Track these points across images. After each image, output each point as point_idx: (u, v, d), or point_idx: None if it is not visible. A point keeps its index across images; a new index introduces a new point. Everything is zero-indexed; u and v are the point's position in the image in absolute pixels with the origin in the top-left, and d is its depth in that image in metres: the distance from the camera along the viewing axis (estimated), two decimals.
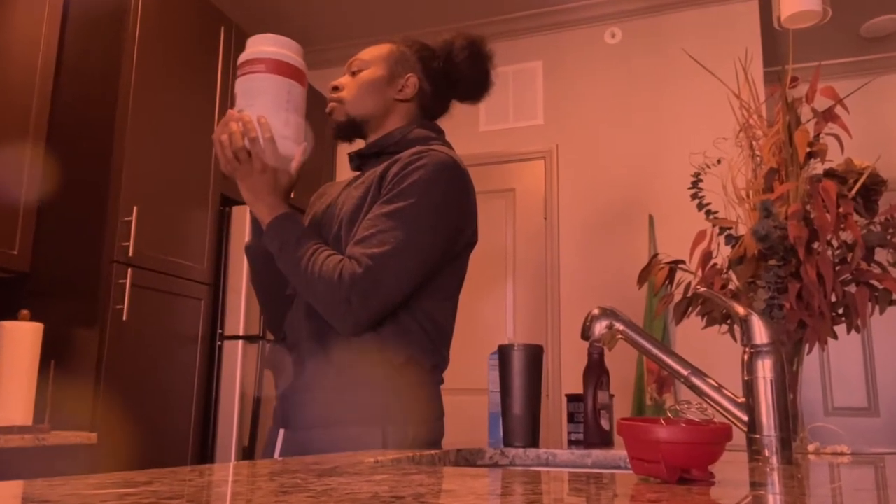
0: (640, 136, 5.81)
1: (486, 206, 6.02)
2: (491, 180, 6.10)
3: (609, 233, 5.73)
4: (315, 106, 5.82)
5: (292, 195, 2.25)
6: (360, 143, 2.43)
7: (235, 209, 4.95)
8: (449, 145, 2.35)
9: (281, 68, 2.18)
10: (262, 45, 2.22)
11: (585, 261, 5.76)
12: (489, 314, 5.93)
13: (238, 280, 4.85)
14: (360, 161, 2.42)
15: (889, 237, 2.47)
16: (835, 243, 2.53)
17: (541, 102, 6.17)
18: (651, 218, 5.59)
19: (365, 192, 2.18)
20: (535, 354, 2.22)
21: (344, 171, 6.43)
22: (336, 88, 2.40)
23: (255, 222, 2.26)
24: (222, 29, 5.06)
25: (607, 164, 5.85)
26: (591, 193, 5.84)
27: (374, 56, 2.41)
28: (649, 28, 5.98)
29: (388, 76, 2.38)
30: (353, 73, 2.40)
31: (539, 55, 6.27)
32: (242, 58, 2.22)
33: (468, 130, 6.28)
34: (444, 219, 2.09)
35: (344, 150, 6.46)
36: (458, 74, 2.43)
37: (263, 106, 2.15)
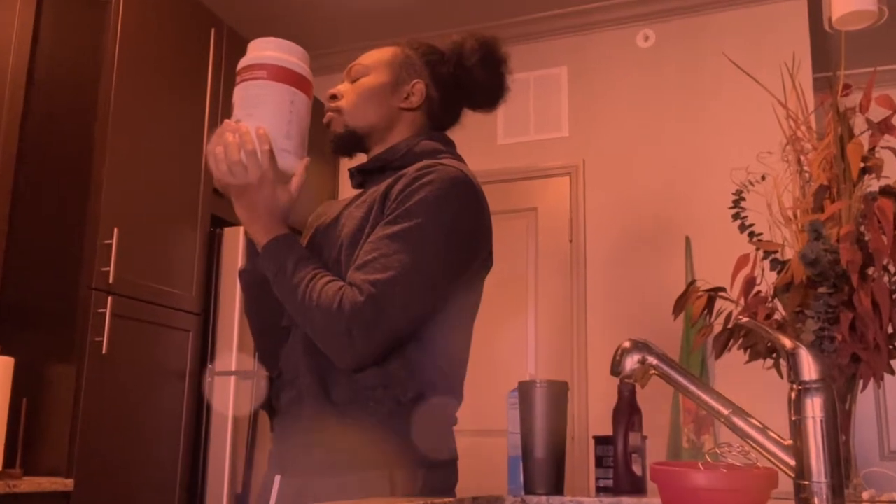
0: (675, 149, 5.81)
1: (504, 226, 6.01)
2: (510, 199, 6.10)
3: (641, 257, 5.73)
4: (316, 117, 5.84)
5: (291, 215, 2.25)
6: (361, 158, 2.43)
7: (227, 231, 4.96)
8: (460, 159, 2.35)
9: (284, 75, 2.20)
10: (264, 50, 2.23)
11: (615, 288, 5.76)
12: (508, 347, 5.93)
13: (230, 309, 4.86)
14: (361, 177, 2.43)
15: None
16: (892, 269, 2.53)
17: (565, 112, 6.19)
18: (688, 240, 5.59)
19: (367, 212, 2.19)
20: (559, 392, 2.22)
21: (348, 189, 6.44)
22: (334, 97, 2.41)
23: (250, 244, 2.26)
24: (213, 31, 5.08)
25: (639, 181, 5.85)
26: (622, 213, 5.84)
27: (375, 60, 2.42)
28: (686, 30, 5.99)
29: (391, 82, 2.39)
30: (353, 80, 2.41)
31: (563, 60, 6.29)
32: (242, 63, 2.23)
33: (485, 143, 6.28)
34: (455, 240, 2.09)
35: (347, 165, 6.47)
36: (470, 80, 2.44)
37: (263, 116, 2.16)
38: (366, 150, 2.42)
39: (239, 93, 2.21)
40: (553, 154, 6.14)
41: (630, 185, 5.88)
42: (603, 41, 6.21)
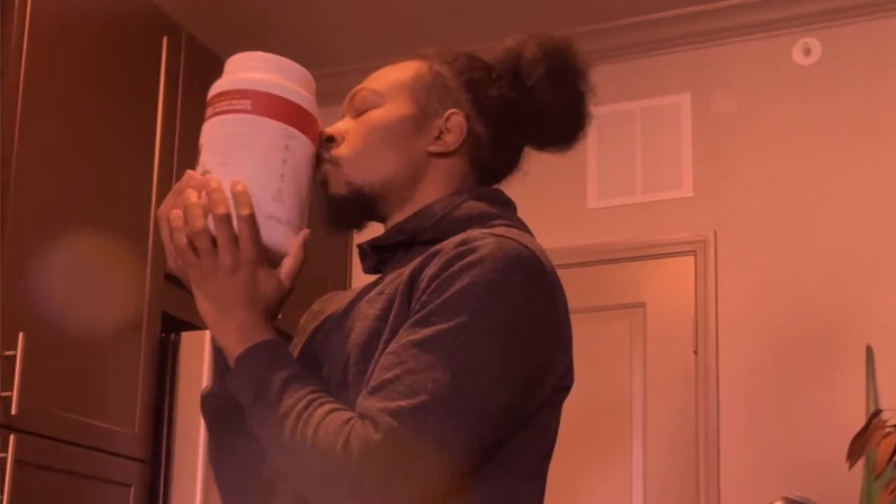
0: (851, 216, 5.77)
1: (596, 329, 5.97)
2: (606, 289, 6.10)
3: (800, 376, 5.69)
4: None
5: (280, 315, 2.24)
6: (376, 230, 2.38)
7: (186, 337, 4.97)
8: (523, 226, 2.32)
9: (277, 108, 2.17)
10: (249, 71, 2.22)
11: (760, 420, 5.72)
12: (603, 503, 5.92)
13: (190, 453, 4.86)
14: (377, 257, 2.39)
15: None
16: None
17: (688, 161, 6.18)
18: (869, 351, 5.55)
19: (385, 308, 2.14)
20: None
21: (360, 275, 6.43)
22: (330, 140, 2.36)
23: (218, 355, 2.23)
24: (165, 39, 5.11)
25: (797, 263, 5.82)
26: (770, 310, 5.81)
27: (391, 83, 2.39)
28: (865, 38, 5.98)
29: (415, 115, 2.35)
30: (359, 113, 2.38)
31: (685, 83, 6.29)
32: (216, 88, 2.22)
33: (567, 207, 6.28)
34: (516, 348, 2.04)
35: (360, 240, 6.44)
36: (533, 105, 2.40)
37: (243, 166, 2.13)
38: (381, 219, 2.38)
39: (209, 131, 2.19)
40: (670, 223, 6.14)
41: (783, 269, 5.85)
42: (743, 56, 6.21)
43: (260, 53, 2.26)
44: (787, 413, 5.69)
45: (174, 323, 5.04)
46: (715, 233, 6.03)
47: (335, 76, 6.51)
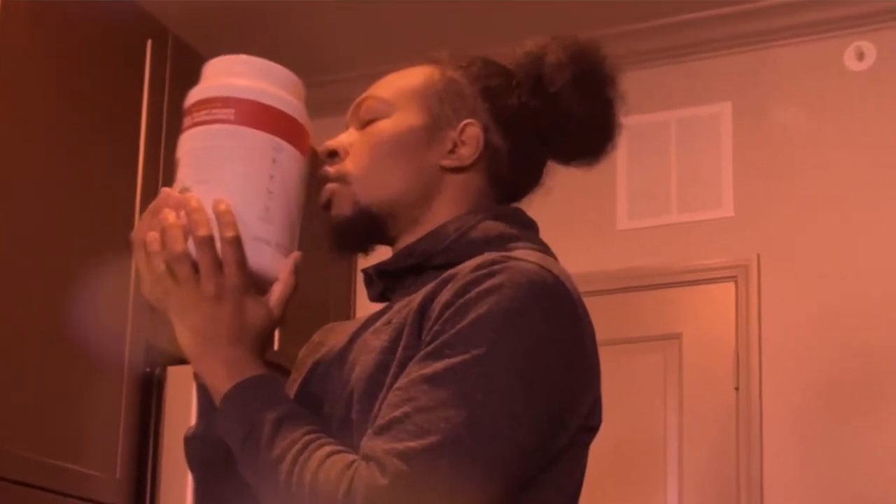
0: None
1: (627, 363, 5.96)
2: (638, 319, 6.09)
3: (849, 414, 5.67)
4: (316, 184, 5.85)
5: (275, 347, 2.20)
6: (383, 254, 2.34)
7: (172, 372, 4.95)
8: (545, 249, 2.30)
9: (263, 117, 2.15)
10: (232, 76, 2.20)
11: (807, 463, 5.70)
12: None
13: (176, 500, 4.85)
14: (384, 284, 2.38)
15: None
16: None
17: (729, 177, 6.17)
18: None
19: (393, 339, 2.12)
20: None
21: (365, 304, 6.41)
22: (333, 154, 2.34)
23: (203, 392, 2.23)
24: (149, 43, 5.10)
25: (848, 290, 5.80)
26: (819, 343, 5.79)
27: (399, 91, 2.37)
28: None
29: (426, 126, 2.32)
30: (365, 124, 2.36)
31: (726, 91, 6.29)
32: (195, 96, 2.20)
33: (595, 228, 6.28)
34: (538, 384, 2.02)
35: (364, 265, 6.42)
36: (556, 115, 2.37)
37: (227, 183, 2.11)
38: (389, 241, 2.37)
39: (188, 144, 2.17)
40: (709, 246, 6.13)
41: (833, 297, 5.83)
42: (790, 60, 6.20)
43: (244, 57, 2.23)
44: (836, 455, 5.67)
45: (159, 356, 5.00)
46: (758, 256, 6.01)
47: (337, 83, 6.52)
